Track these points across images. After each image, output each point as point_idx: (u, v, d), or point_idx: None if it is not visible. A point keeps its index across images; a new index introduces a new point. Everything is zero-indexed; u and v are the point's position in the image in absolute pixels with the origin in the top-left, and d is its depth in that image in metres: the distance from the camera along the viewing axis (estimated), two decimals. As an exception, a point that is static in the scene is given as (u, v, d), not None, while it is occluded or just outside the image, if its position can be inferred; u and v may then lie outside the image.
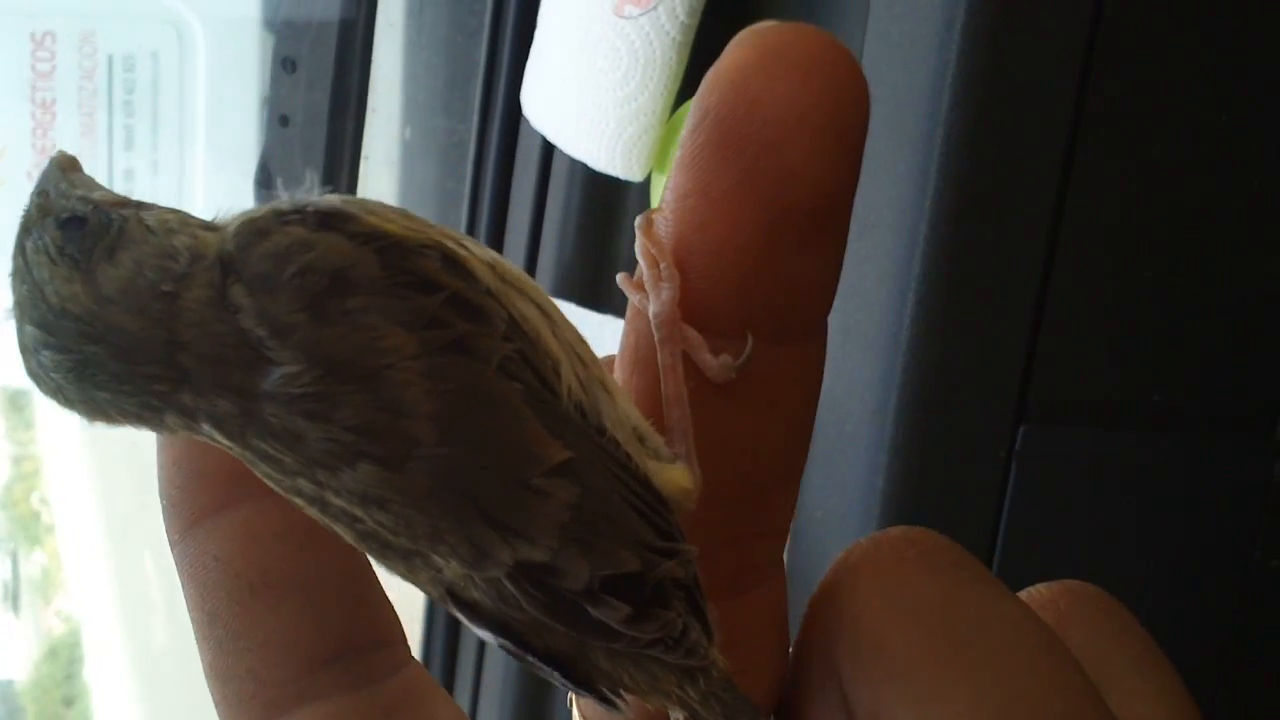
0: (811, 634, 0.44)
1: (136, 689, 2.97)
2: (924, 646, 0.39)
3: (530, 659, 0.41)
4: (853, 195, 0.39)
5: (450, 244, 0.40)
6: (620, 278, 0.42)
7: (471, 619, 0.41)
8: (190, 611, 0.45)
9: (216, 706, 0.45)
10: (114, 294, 0.39)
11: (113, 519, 3.10)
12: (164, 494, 0.45)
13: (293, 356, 0.38)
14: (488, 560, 0.39)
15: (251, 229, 0.39)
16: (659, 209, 0.41)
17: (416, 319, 0.38)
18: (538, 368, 0.39)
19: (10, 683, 3.13)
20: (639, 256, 0.41)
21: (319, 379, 0.37)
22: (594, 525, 0.39)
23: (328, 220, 0.39)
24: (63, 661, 3.32)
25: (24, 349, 0.41)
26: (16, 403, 2.92)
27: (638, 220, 0.41)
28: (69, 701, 3.31)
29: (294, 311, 0.38)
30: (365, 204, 0.40)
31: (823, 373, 0.43)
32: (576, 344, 0.41)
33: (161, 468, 0.45)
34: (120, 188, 0.43)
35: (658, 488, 0.40)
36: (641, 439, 0.41)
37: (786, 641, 0.47)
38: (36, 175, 0.43)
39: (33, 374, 0.41)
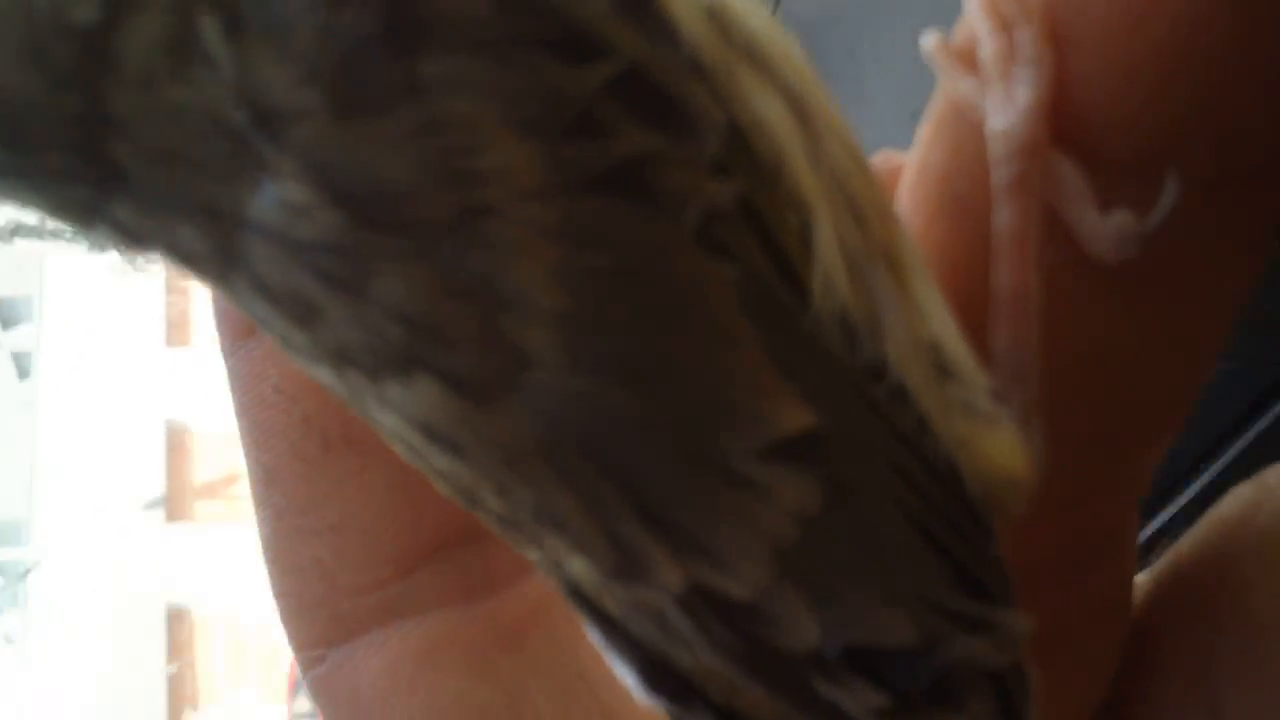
0: (1167, 618, 0.33)
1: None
2: None
3: (696, 712, 0.27)
4: None
5: None
6: (934, 43, 0.28)
7: (607, 638, 0.28)
8: (248, 465, 0.35)
9: (279, 611, 0.35)
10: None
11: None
12: (214, 300, 0.34)
13: (297, 168, 0.23)
14: (640, 574, 0.25)
15: None
16: None
17: (548, 114, 0.22)
18: (772, 232, 0.24)
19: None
20: (978, 11, 0.26)
21: (347, 219, 0.23)
22: (841, 556, 0.25)
23: None
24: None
25: None
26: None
27: None
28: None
29: (306, 81, 0.23)
30: None
31: (1272, 246, 0.27)
32: (854, 174, 0.25)
33: None
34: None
35: (969, 489, 0.26)
36: (945, 371, 0.26)
37: (1126, 630, 0.34)
38: None
39: None
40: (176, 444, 23.09)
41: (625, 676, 0.28)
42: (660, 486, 0.24)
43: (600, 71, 0.22)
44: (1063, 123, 0.24)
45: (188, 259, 0.26)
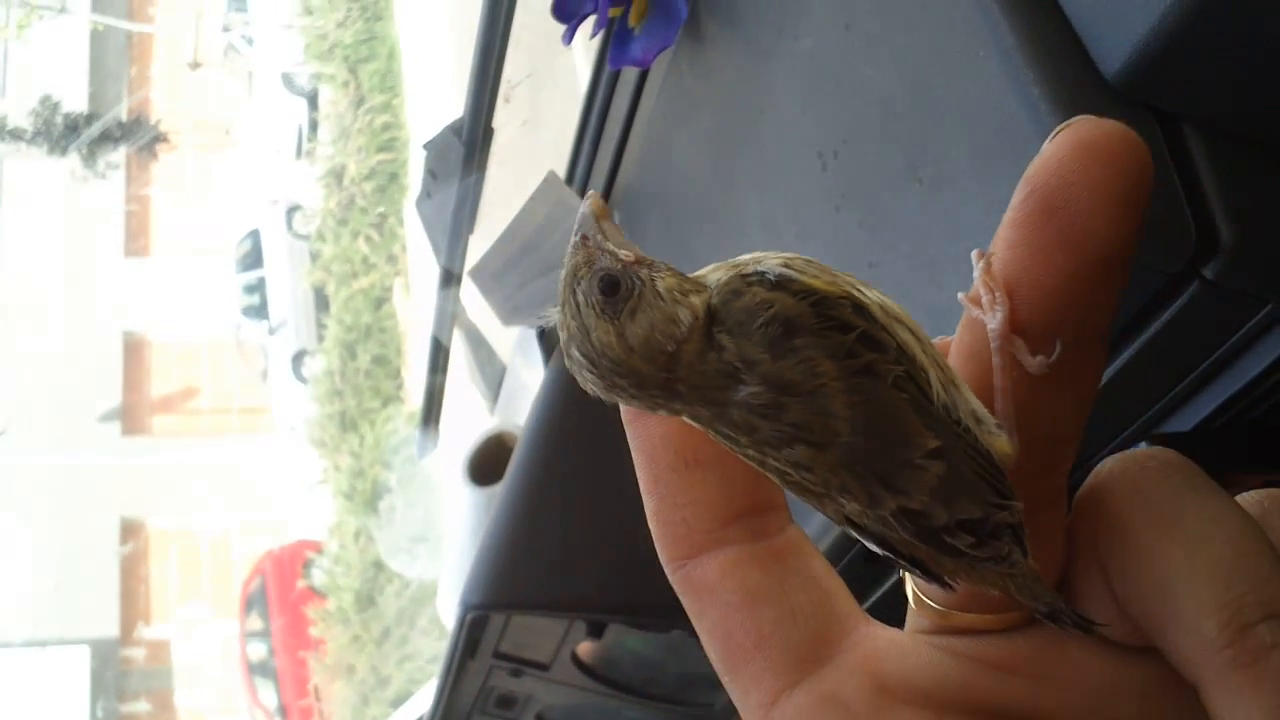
0: (1078, 526, 0.58)
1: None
2: (1156, 526, 0.54)
3: (901, 561, 0.57)
4: (1135, 247, 0.52)
5: (855, 292, 0.53)
6: (961, 296, 0.55)
7: (861, 535, 0.56)
8: (639, 472, 0.62)
9: (656, 542, 0.62)
10: (636, 346, 0.54)
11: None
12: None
13: (758, 380, 0.52)
14: (878, 505, 0.53)
15: (729, 291, 0.54)
16: (992, 251, 0.54)
17: (838, 352, 0.52)
18: (917, 380, 0.52)
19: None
20: (978, 285, 0.54)
21: (774, 394, 0.52)
22: (953, 487, 0.53)
23: (779, 283, 0.53)
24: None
25: (570, 359, 0.56)
26: None
27: (978, 260, 0.54)
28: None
29: (761, 351, 0.52)
30: (797, 265, 0.54)
31: (1105, 363, 0.56)
32: (937, 356, 0.54)
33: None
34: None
35: (995, 458, 0.54)
36: (978, 419, 0.54)
37: (1066, 542, 0.60)
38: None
39: (572, 372, 0.56)
40: (134, 356, 23.05)
41: (871, 547, 0.56)
42: (887, 471, 0.52)
43: (853, 335, 0.51)
44: (1013, 322, 0.53)
45: (698, 418, 0.55)
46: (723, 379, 0.54)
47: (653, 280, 0.55)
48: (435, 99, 14.46)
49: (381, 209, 17.10)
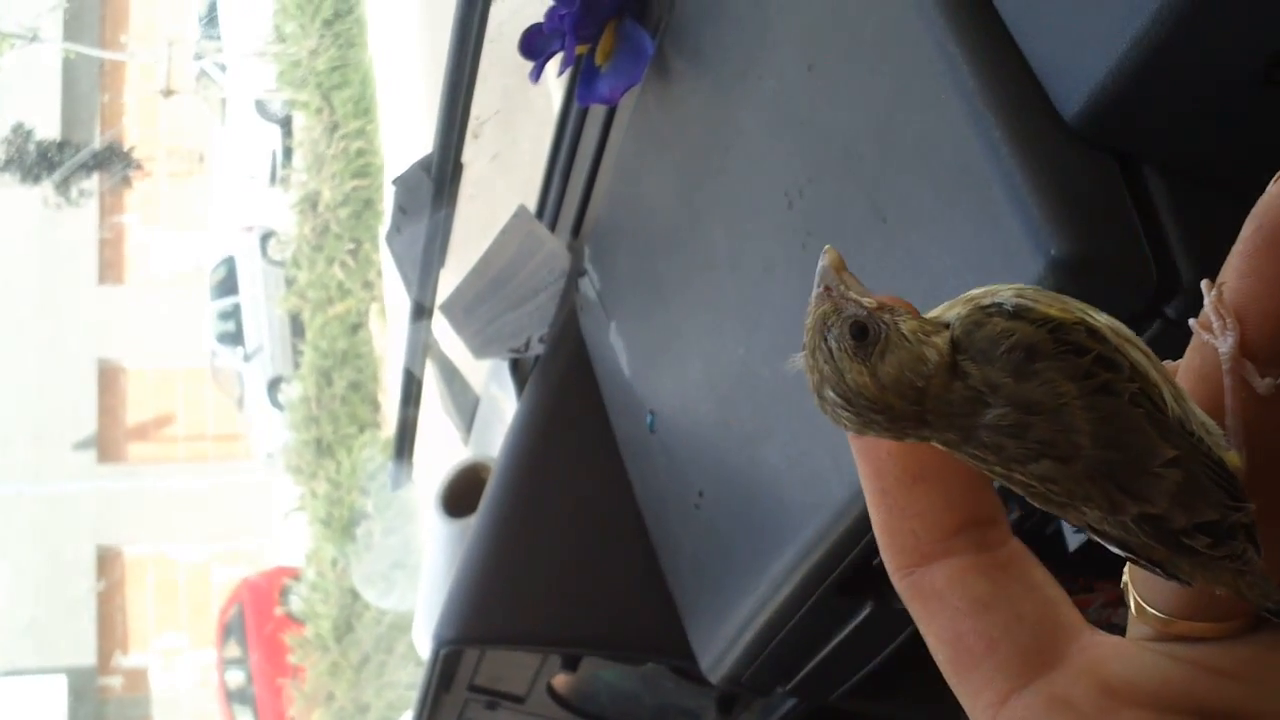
0: None
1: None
2: None
3: (1139, 560, 0.57)
4: None
5: (1088, 317, 0.55)
6: (1192, 322, 0.57)
7: (1103, 540, 0.58)
8: (864, 485, 0.64)
9: (883, 551, 0.64)
10: (888, 384, 0.56)
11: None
12: None
13: (1003, 402, 0.54)
14: (1120, 511, 0.55)
15: (971, 322, 0.56)
16: (1223, 280, 0.56)
17: (1077, 374, 0.53)
18: (1151, 396, 0.54)
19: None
20: (1209, 311, 0.55)
21: (1020, 414, 0.54)
22: (1190, 493, 0.54)
23: (1017, 312, 0.55)
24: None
25: (823, 400, 0.58)
26: None
27: (1208, 288, 0.55)
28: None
29: (1004, 376, 0.54)
30: (1031, 294, 0.56)
31: None
32: (1167, 375, 0.55)
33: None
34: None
35: (1228, 467, 0.55)
36: (1209, 431, 0.55)
37: None
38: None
39: (825, 411, 0.59)
40: (109, 384, 22.99)
41: (1113, 550, 0.57)
42: (1128, 480, 0.53)
43: (1090, 357, 0.53)
44: (1245, 347, 0.54)
45: (946, 444, 0.57)
46: (969, 405, 0.56)
47: (896, 324, 0.58)
48: (410, 125, 14.45)
49: (356, 235, 17.10)
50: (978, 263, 1.07)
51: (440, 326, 2.77)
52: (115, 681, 22.13)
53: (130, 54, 23.24)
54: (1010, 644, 0.61)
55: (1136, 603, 0.64)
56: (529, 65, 1.80)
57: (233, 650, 19.06)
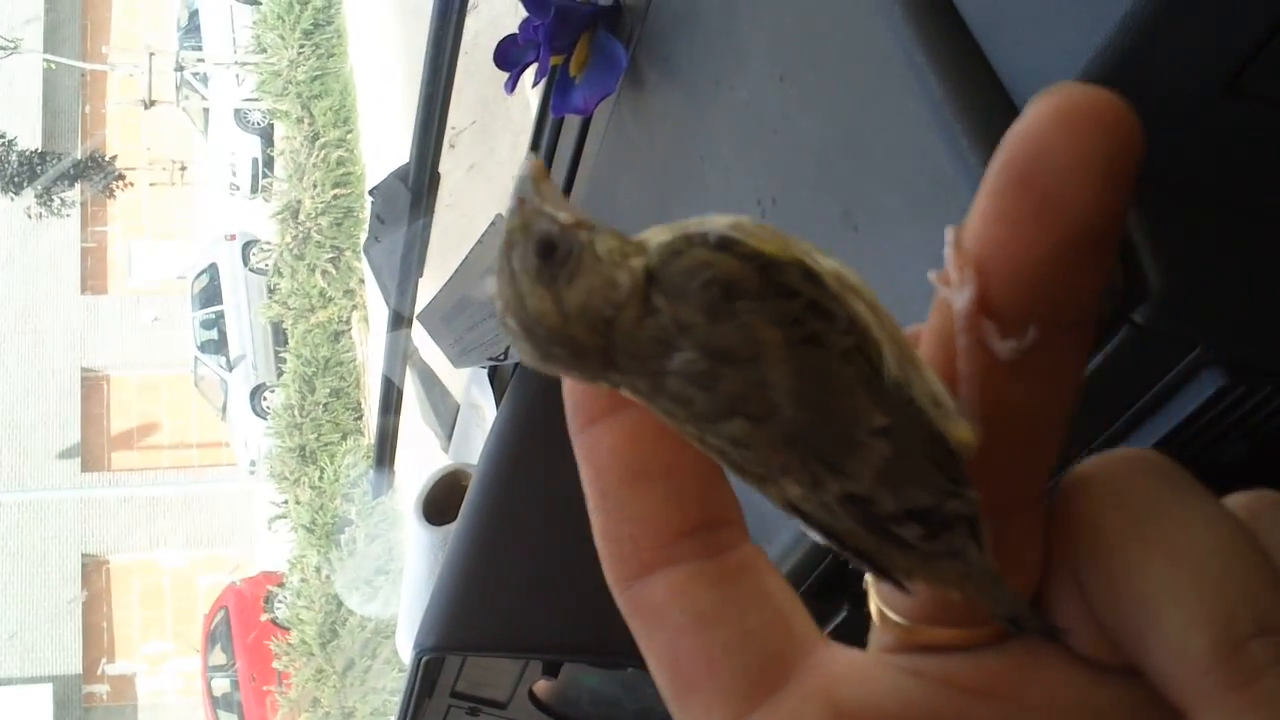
0: (1052, 532, 0.54)
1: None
2: (1135, 531, 0.50)
3: (847, 553, 0.52)
4: (1123, 221, 0.50)
5: (807, 259, 0.49)
6: (931, 274, 0.51)
7: (806, 524, 0.52)
8: (585, 488, 0.58)
9: (604, 560, 0.58)
10: (573, 312, 0.50)
11: None
12: (568, 397, 0.57)
13: (692, 345, 0.48)
14: (821, 488, 0.49)
15: (670, 250, 0.50)
16: (965, 225, 0.50)
17: (783, 319, 0.47)
18: (868, 355, 0.48)
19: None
20: (948, 261, 0.50)
21: (709, 362, 0.48)
22: (901, 471, 0.49)
23: (723, 243, 0.49)
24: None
25: (506, 328, 0.52)
26: None
27: (949, 234, 0.50)
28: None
29: (696, 313, 0.48)
30: (747, 228, 0.49)
31: (1089, 354, 0.52)
32: (895, 332, 0.50)
33: (565, 385, 0.57)
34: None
35: (951, 444, 0.49)
36: (937, 403, 0.50)
37: (1043, 548, 0.56)
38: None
39: (510, 343, 0.56)
40: (92, 393, 22.98)
41: (815, 537, 0.52)
42: (830, 450, 0.48)
43: (800, 301, 0.47)
44: (984, 304, 0.48)
45: (635, 392, 0.51)
46: (659, 346, 0.49)
47: (592, 243, 0.51)
48: (390, 134, 14.47)
49: (338, 243, 17.12)
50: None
51: (420, 335, 2.78)
52: (101, 689, 22.13)
53: (111, 65, 23.25)
54: (733, 664, 0.55)
55: (877, 609, 0.59)
56: (505, 76, 1.81)
57: (218, 657, 19.07)
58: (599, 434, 0.57)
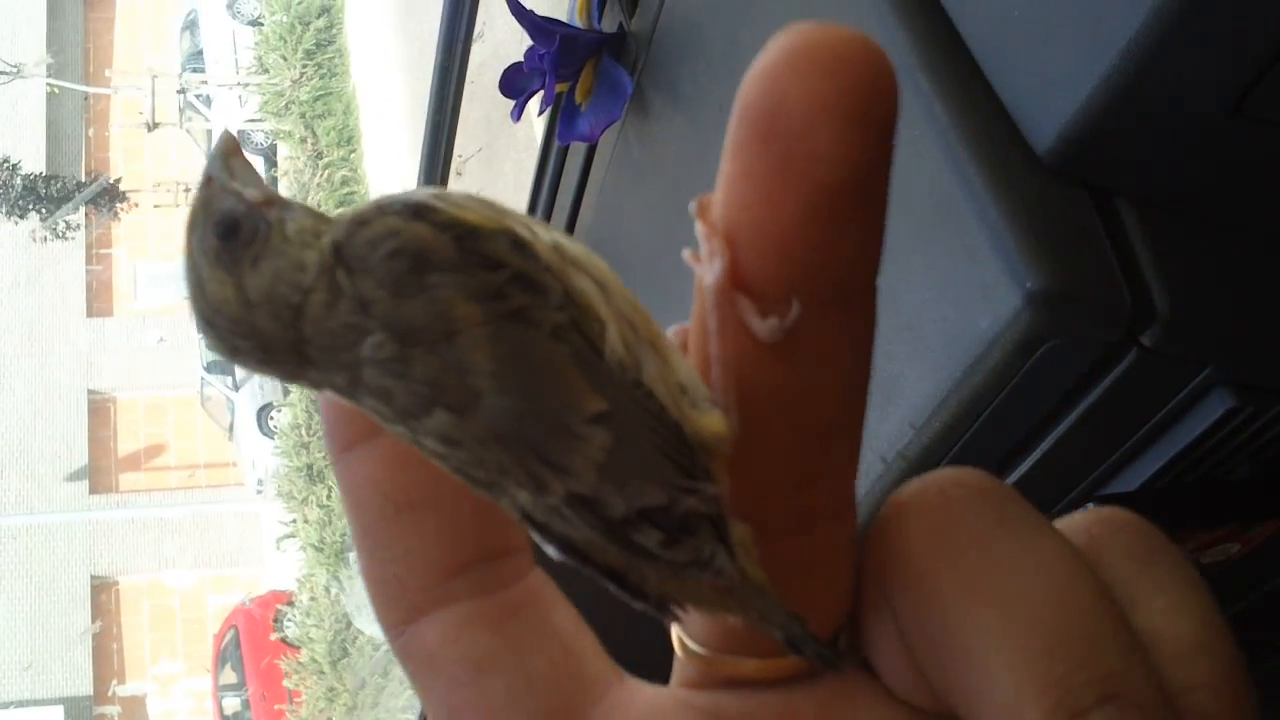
0: (868, 564, 0.49)
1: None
2: (960, 576, 0.45)
3: (591, 571, 0.47)
4: (884, 174, 0.42)
5: (520, 229, 0.45)
6: (684, 253, 0.46)
7: (543, 538, 0.47)
8: (349, 522, 0.53)
9: (372, 605, 0.54)
10: (257, 299, 0.45)
11: None
12: (324, 421, 0.53)
13: (378, 326, 0.44)
14: (545, 491, 0.44)
15: (356, 219, 0.45)
16: (712, 193, 0.45)
17: (483, 292, 0.43)
18: (586, 332, 0.44)
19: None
20: (696, 234, 0.45)
21: (398, 344, 0.44)
22: (627, 465, 0.44)
23: (416, 211, 0.44)
24: None
25: (195, 319, 0.47)
26: None
27: (693, 204, 0.45)
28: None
29: (379, 288, 0.44)
30: (451, 197, 0.45)
31: (873, 329, 0.46)
32: (630, 311, 0.46)
33: (321, 401, 0.52)
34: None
35: (688, 434, 0.45)
36: (684, 390, 0.45)
37: (854, 571, 0.51)
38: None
39: (200, 334, 0.48)
40: (99, 415, 22.99)
41: (549, 550, 0.47)
42: (545, 443, 0.43)
43: (505, 274, 0.43)
44: (738, 278, 0.44)
45: (339, 392, 0.46)
46: (349, 332, 0.45)
47: (282, 222, 0.47)
48: (393, 152, 14.49)
49: (343, 262, 17.18)
50: (955, 296, 1.08)
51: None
52: (112, 710, 22.09)
53: (114, 88, 23.26)
54: (517, 715, 0.50)
55: (677, 637, 0.54)
56: (510, 103, 1.82)
57: (229, 676, 19.06)
58: (357, 461, 0.52)
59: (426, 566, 0.52)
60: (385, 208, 0.45)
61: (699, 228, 0.45)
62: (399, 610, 0.52)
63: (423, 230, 0.44)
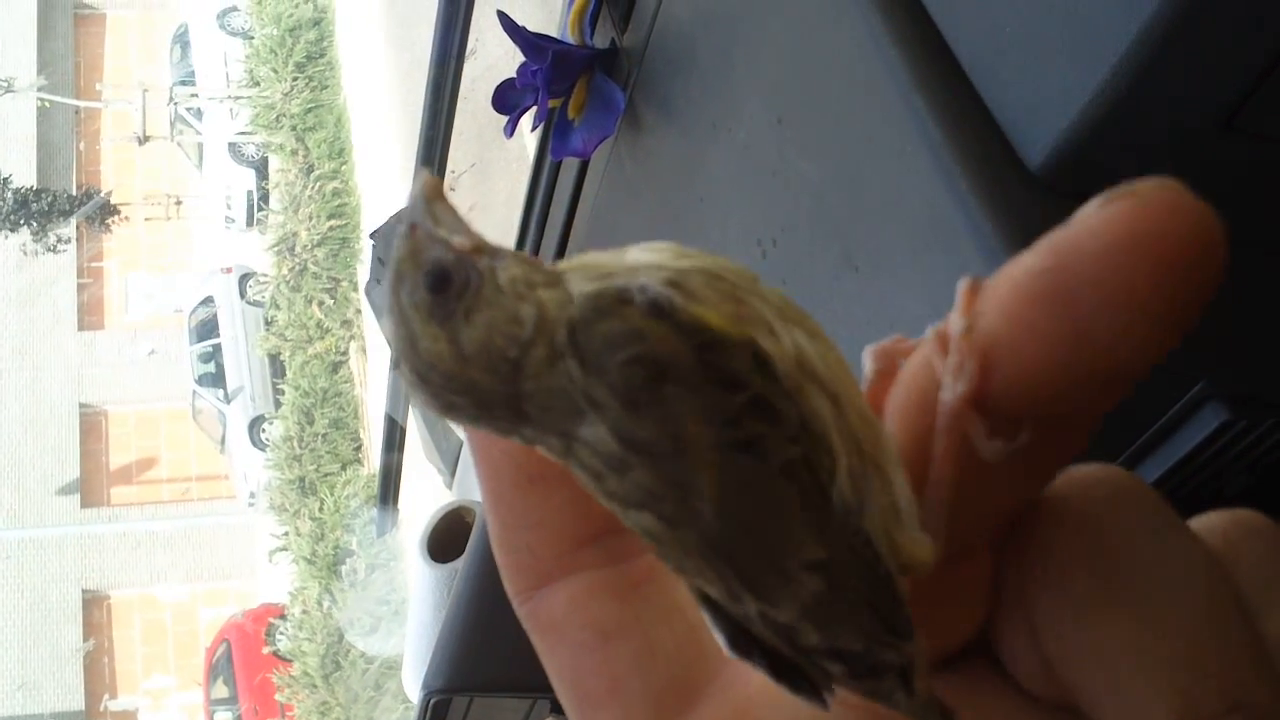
0: (1008, 565, 0.48)
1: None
2: (1102, 579, 0.44)
3: (757, 661, 0.46)
4: (1159, 360, 0.40)
5: (763, 336, 0.42)
6: (931, 330, 0.44)
7: (714, 618, 0.46)
8: (482, 495, 0.54)
9: (501, 571, 0.54)
10: (472, 354, 0.43)
11: None
12: None
13: (605, 423, 0.42)
14: (738, 604, 0.44)
15: (594, 306, 0.42)
16: (982, 311, 0.42)
17: (718, 416, 0.41)
18: (815, 469, 0.42)
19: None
20: (951, 345, 0.42)
21: (621, 446, 0.42)
22: (832, 611, 0.43)
23: (658, 309, 0.41)
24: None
25: (403, 376, 0.45)
26: None
27: (963, 283, 0.43)
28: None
29: (611, 395, 0.42)
30: (690, 283, 0.42)
31: (1086, 442, 0.45)
32: (860, 425, 0.43)
33: None
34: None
35: (896, 587, 0.43)
36: (897, 513, 0.43)
37: (993, 586, 0.49)
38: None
39: (410, 391, 0.46)
40: (90, 428, 22.98)
41: (719, 639, 0.46)
42: (753, 572, 0.43)
43: (743, 397, 0.41)
44: (980, 399, 0.42)
45: (553, 452, 0.44)
46: (568, 402, 0.43)
47: (494, 271, 0.43)
48: (384, 164, 14.50)
49: (334, 274, 17.14)
50: (949, 311, 1.06)
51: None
52: (105, 726, 22.07)
53: (105, 102, 23.28)
54: (639, 682, 0.51)
55: None
56: (503, 119, 1.82)
57: (221, 690, 19.03)
58: (493, 443, 0.51)
59: (556, 535, 0.52)
60: (625, 295, 0.42)
61: (954, 334, 0.42)
62: (528, 577, 0.53)
63: (664, 335, 0.41)
